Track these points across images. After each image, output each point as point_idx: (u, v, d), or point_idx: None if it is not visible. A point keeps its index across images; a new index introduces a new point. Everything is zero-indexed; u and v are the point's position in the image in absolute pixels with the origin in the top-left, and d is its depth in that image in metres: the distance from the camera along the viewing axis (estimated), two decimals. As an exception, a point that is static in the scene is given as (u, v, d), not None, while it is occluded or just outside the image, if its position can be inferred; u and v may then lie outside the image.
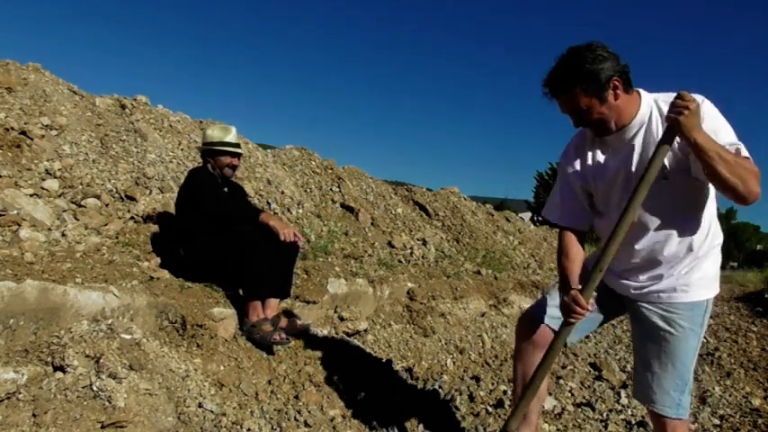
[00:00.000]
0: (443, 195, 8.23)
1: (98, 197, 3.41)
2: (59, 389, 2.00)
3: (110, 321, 2.36)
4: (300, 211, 5.35)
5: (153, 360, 2.34)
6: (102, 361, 2.14)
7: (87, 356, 2.14)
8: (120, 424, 2.00)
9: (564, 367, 3.81)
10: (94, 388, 2.06)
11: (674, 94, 1.62)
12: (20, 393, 1.94)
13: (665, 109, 1.64)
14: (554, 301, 1.98)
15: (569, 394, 3.31)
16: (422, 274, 5.08)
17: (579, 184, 1.89)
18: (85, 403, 2.00)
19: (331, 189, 6.25)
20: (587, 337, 4.87)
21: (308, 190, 5.96)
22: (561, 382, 3.51)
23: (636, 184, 1.66)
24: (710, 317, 6.05)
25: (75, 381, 2.05)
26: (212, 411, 2.34)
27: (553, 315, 1.99)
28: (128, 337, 2.35)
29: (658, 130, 1.69)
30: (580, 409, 3.05)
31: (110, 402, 2.04)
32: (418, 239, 6.18)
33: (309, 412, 2.60)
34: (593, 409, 3.06)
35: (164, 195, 3.86)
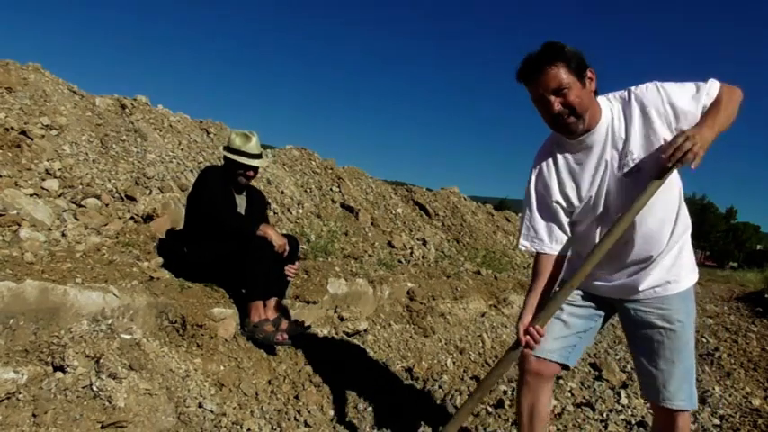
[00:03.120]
0: (443, 195, 8.23)
1: (98, 197, 3.41)
2: (59, 389, 2.00)
3: (110, 321, 2.36)
4: (300, 211, 5.35)
5: (153, 360, 2.34)
6: (102, 361, 2.14)
7: (87, 356, 2.14)
8: (120, 424, 2.01)
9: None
10: (94, 388, 2.06)
11: (624, 92, 1.72)
12: (20, 393, 1.94)
13: (620, 106, 1.72)
14: (550, 334, 1.88)
15: (569, 394, 3.31)
16: (422, 274, 5.08)
17: (554, 205, 1.83)
18: (85, 403, 2.01)
19: (331, 189, 6.25)
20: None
21: (308, 190, 5.96)
22: (561, 381, 3.51)
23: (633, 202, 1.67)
24: (710, 317, 6.00)
25: (75, 381, 2.05)
26: (212, 411, 2.34)
27: (551, 349, 1.91)
28: (128, 337, 2.35)
29: (620, 123, 1.71)
30: (580, 409, 3.05)
31: (110, 402, 2.04)
32: (418, 239, 6.18)
33: (309, 412, 2.60)
34: (593, 409, 3.06)
35: (164, 195, 3.86)
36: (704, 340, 5.35)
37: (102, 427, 1.98)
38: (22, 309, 2.13)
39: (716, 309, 7.78)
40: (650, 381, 1.84)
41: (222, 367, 2.61)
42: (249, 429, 2.34)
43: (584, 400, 3.21)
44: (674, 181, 1.75)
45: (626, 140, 1.70)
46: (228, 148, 3.11)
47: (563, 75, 1.65)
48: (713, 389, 3.69)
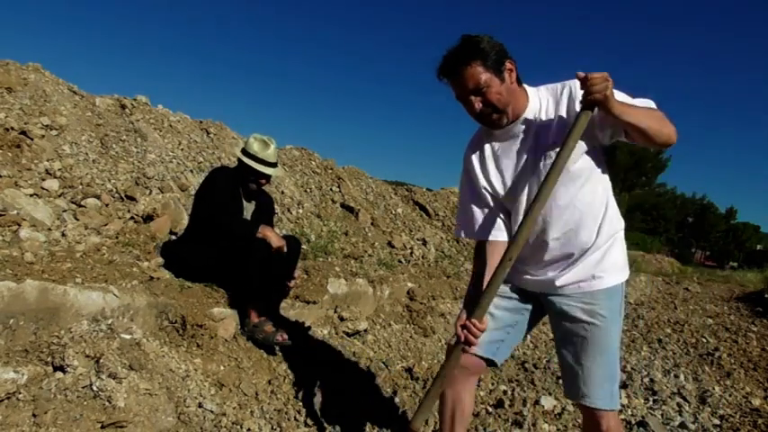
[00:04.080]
0: (443, 195, 8.23)
1: (98, 197, 3.41)
2: (59, 389, 2.00)
3: (110, 321, 2.36)
4: (300, 211, 5.35)
5: (153, 360, 2.34)
6: (102, 361, 2.14)
7: (87, 356, 2.14)
8: (120, 424, 2.01)
9: (564, 367, 3.80)
10: (94, 388, 2.06)
11: (559, 84, 1.71)
12: (20, 393, 1.94)
13: (550, 96, 1.71)
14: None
15: (569, 394, 3.31)
16: (422, 274, 5.08)
17: (486, 194, 1.82)
18: (85, 403, 2.01)
19: (331, 189, 6.25)
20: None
21: (308, 190, 5.96)
22: (561, 381, 3.51)
23: (547, 172, 1.64)
24: (710, 317, 6.00)
25: (75, 381, 2.05)
26: (212, 411, 2.34)
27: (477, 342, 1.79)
28: (128, 337, 2.35)
29: (547, 115, 1.71)
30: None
31: (110, 402, 2.04)
32: (418, 239, 6.18)
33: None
34: (593, 409, 3.06)
35: (164, 195, 3.86)
36: (704, 340, 5.36)
37: (102, 427, 1.98)
38: (22, 309, 2.13)
39: (716, 309, 7.78)
40: (571, 378, 1.81)
41: (222, 367, 2.62)
42: (249, 429, 2.34)
43: (584, 400, 3.20)
44: (599, 178, 1.74)
45: (551, 131, 1.69)
46: (245, 152, 3.06)
47: (480, 74, 1.64)
48: (713, 389, 3.69)
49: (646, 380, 3.77)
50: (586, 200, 1.73)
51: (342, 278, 3.95)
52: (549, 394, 3.24)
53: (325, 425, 2.57)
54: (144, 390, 2.17)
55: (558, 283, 1.80)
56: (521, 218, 1.75)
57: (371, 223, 5.88)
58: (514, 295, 1.92)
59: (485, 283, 1.72)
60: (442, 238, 6.79)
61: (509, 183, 1.77)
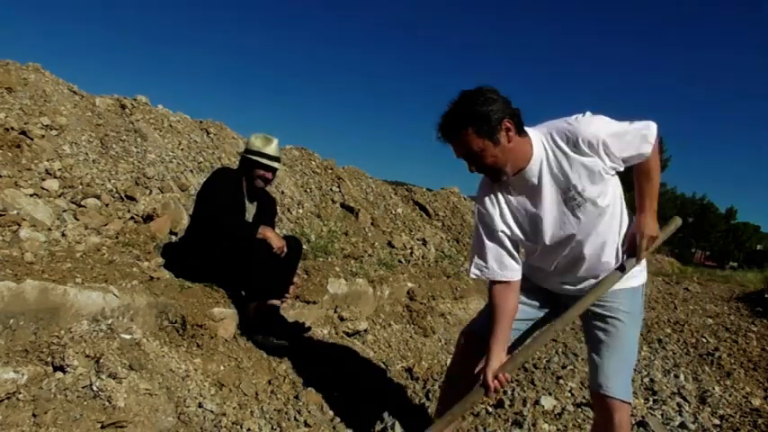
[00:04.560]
0: (443, 195, 8.23)
1: (98, 197, 3.41)
2: (59, 389, 2.00)
3: (110, 321, 2.36)
4: (300, 211, 5.35)
5: (153, 360, 2.34)
6: (102, 361, 2.14)
7: (87, 356, 2.14)
8: (120, 424, 2.01)
9: (564, 367, 3.80)
10: (94, 388, 2.06)
11: (564, 125, 1.74)
12: (20, 393, 1.94)
13: (558, 137, 1.74)
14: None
15: (569, 394, 3.31)
16: (422, 274, 5.08)
17: (503, 236, 1.86)
18: (85, 403, 2.01)
19: (331, 189, 6.25)
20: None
21: (308, 190, 5.96)
22: (561, 382, 3.51)
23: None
24: (710, 317, 5.99)
25: (75, 381, 2.05)
26: (212, 411, 2.34)
27: None
28: (128, 337, 2.35)
29: (559, 160, 1.75)
30: (580, 409, 3.05)
31: (110, 402, 2.04)
32: (418, 239, 6.18)
33: (309, 412, 2.60)
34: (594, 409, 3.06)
35: (164, 195, 3.86)
36: (704, 340, 5.35)
37: (102, 427, 1.98)
38: (22, 309, 2.13)
39: (716, 309, 7.78)
40: (593, 369, 1.91)
41: (222, 367, 2.62)
42: (249, 429, 2.34)
43: (584, 400, 3.21)
44: (615, 204, 1.84)
45: (567, 176, 1.74)
46: (248, 151, 3.07)
47: (473, 142, 1.68)
48: (713, 389, 3.69)
49: (646, 380, 3.77)
50: (608, 226, 1.84)
51: (342, 278, 3.95)
52: (549, 394, 3.24)
53: (325, 425, 2.57)
54: (144, 390, 2.17)
55: (579, 289, 1.94)
56: (542, 259, 1.91)
57: (371, 223, 5.89)
58: (539, 296, 2.05)
59: (505, 327, 1.86)
60: (442, 238, 6.79)
61: (527, 227, 1.84)
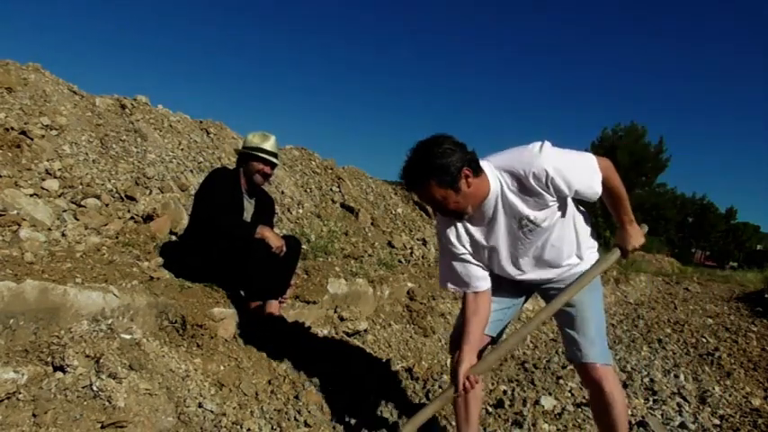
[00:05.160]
0: (443, 195, 8.22)
1: (98, 197, 3.41)
2: (59, 389, 2.00)
3: (110, 321, 2.36)
4: (300, 211, 5.35)
5: (153, 360, 2.34)
6: (102, 361, 2.14)
7: (87, 356, 2.14)
8: (120, 424, 2.01)
9: (564, 367, 3.81)
10: (94, 388, 2.06)
11: (511, 154, 1.87)
12: (20, 393, 1.94)
13: (510, 173, 1.85)
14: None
15: (569, 394, 3.31)
16: (422, 274, 5.08)
17: (466, 256, 2.01)
18: (85, 403, 2.01)
19: (331, 189, 6.25)
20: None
21: (308, 190, 5.96)
22: (561, 382, 3.51)
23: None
24: (710, 317, 5.99)
25: (75, 381, 2.05)
26: (212, 411, 2.34)
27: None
28: (128, 337, 2.35)
29: (511, 194, 1.87)
30: (580, 409, 3.05)
31: (110, 402, 2.04)
32: (418, 239, 6.18)
33: (309, 412, 2.60)
34: (593, 409, 3.06)
35: (164, 195, 3.86)
36: (704, 340, 5.35)
37: (102, 427, 1.98)
38: (22, 309, 2.13)
39: (716, 309, 7.78)
40: (570, 344, 2.07)
41: (222, 367, 2.61)
42: (249, 429, 2.34)
43: (584, 400, 3.21)
44: (566, 219, 1.97)
45: (519, 208, 1.88)
46: (246, 147, 3.09)
47: (435, 192, 1.81)
48: (713, 389, 3.69)
49: (646, 380, 3.77)
50: (561, 233, 1.98)
51: (342, 278, 3.95)
52: (549, 394, 3.24)
53: (325, 425, 2.57)
54: (144, 390, 2.17)
55: (542, 280, 2.11)
56: (500, 267, 2.04)
57: (371, 223, 5.88)
58: (512, 286, 2.16)
59: (476, 331, 1.99)
60: (442, 238, 6.78)
61: (486, 250, 2.00)
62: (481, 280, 2.02)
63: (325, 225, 5.29)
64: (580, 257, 2.07)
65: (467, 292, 2.02)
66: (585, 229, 2.09)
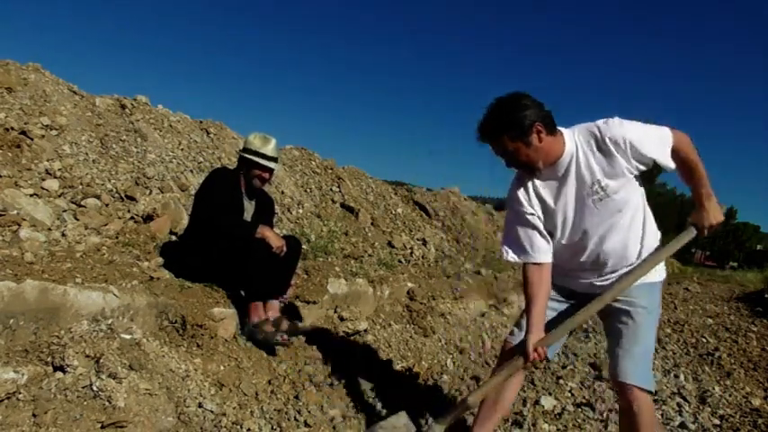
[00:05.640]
0: (443, 195, 8.23)
1: (98, 197, 3.41)
2: (59, 389, 2.00)
3: (110, 321, 2.36)
4: (300, 211, 5.35)
5: (153, 360, 2.34)
6: (102, 361, 2.14)
7: (87, 356, 2.14)
8: (120, 424, 2.01)
9: (564, 367, 3.81)
10: (94, 388, 2.06)
11: (593, 126, 1.94)
12: (20, 393, 1.94)
13: (588, 136, 1.95)
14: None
15: (569, 394, 3.31)
16: (422, 274, 5.08)
17: (534, 219, 2.04)
18: (85, 403, 2.00)
19: (331, 189, 6.25)
20: (587, 336, 4.87)
21: (308, 190, 5.96)
22: (561, 382, 3.51)
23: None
24: (710, 317, 6.01)
25: (75, 381, 2.05)
26: (212, 411, 2.34)
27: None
28: (128, 337, 2.35)
29: (586, 156, 1.94)
30: (580, 409, 3.05)
31: (110, 402, 2.04)
32: (418, 239, 6.18)
33: (309, 412, 2.60)
34: (593, 409, 3.06)
35: (164, 195, 3.86)
36: (704, 340, 5.35)
37: (102, 427, 1.98)
38: (22, 309, 2.13)
39: (716, 309, 7.76)
40: (614, 360, 2.04)
41: (222, 367, 2.61)
42: (249, 429, 2.34)
43: (584, 400, 3.21)
44: (636, 203, 2.00)
45: (592, 171, 1.93)
46: (246, 150, 3.08)
47: (507, 144, 1.92)
48: (713, 389, 3.69)
49: (646, 380, 3.76)
50: (627, 227, 1.99)
51: (342, 278, 3.95)
52: (549, 394, 3.24)
53: (325, 425, 2.57)
54: (144, 390, 2.17)
55: (603, 285, 2.06)
56: (567, 249, 2.06)
57: (371, 223, 5.88)
58: (561, 297, 2.18)
59: (542, 303, 2.01)
60: (442, 238, 6.79)
61: (554, 214, 2.02)
62: (543, 252, 2.03)
63: (325, 225, 5.29)
64: (641, 254, 2.05)
65: (529, 266, 2.04)
66: (654, 237, 2.08)
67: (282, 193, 5.42)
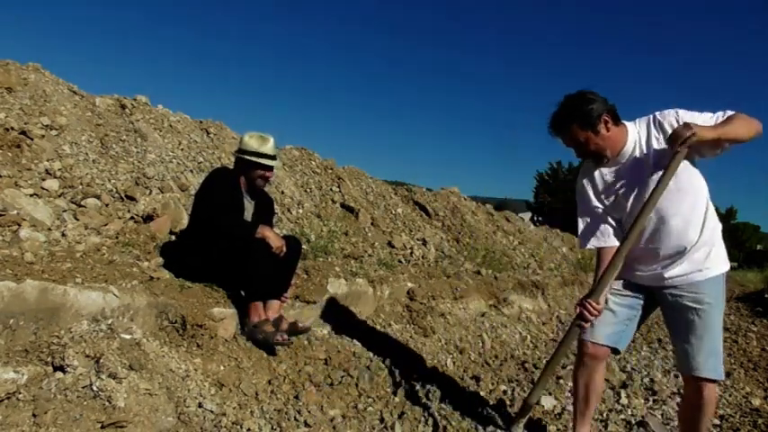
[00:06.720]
0: (443, 195, 8.23)
1: (98, 197, 3.41)
2: (59, 389, 2.00)
3: (110, 321, 2.36)
4: (300, 211, 5.35)
5: (153, 360, 2.34)
6: (102, 361, 2.14)
7: (87, 356, 2.14)
8: (120, 424, 2.01)
9: (564, 367, 3.81)
10: (94, 388, 2.06)
11: (649, 117, 2.16)
12: (20, 393, 1.94)
13: (650, 123, 2.15)
14: (600, 322, 2.27)
15: (569, 394, 3.31)
16: (422, 274, 5.08)
17: (602, 207, 2.25)
18: (85, 403, 2.00)
19: (331, 189, 6.25)
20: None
21: (308, 190, 5.96)
22: (561, 382, 3.51)
23: (650, 192, 2.06)
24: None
25: (75, 381, 2.05)
26: (212, 411, 2.34)
27: (602, 334, 2.29)
28: (128, 337, 2.35)
29: (649, 142, 2.13)
30: (580, 409, 3.04)
31: (110, 402, 2.04)
32: (418, 239, 6.18)
33: (309, 412, 2.60)
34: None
35: (164, 195, 3.86)
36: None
37: (102, 427, 1.98)
38: (22, 309, 2.13)
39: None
40: (683, 355, 2.17)
41: (222, 367, 2.61)
42: (249, 429, 2.34)
43: (584, 400, 3.20)
44: (699, 188, 2.14)
45: (654, 156, 2.10)
46: (244, 151, 3.05)
47: (577, 135, 2.12)
48: (713, 389, 3.69)
49: (646, 380, 3.77)
50: (690, 208, 2.11)
51: (342, 278, 3.95)
52: (549, 394, 3.24)
53: (325, 425, 2.57)
54: (144, 390, 2.17)
55: (667, 276, 2.17)
56: (628, 215, 2.19)
57: (371, 223, 5.88)
58: (629, 292, 2.31)
59: (609, 276, 2.15)
60: (442, 238, 6.79)
61: (619, 200, 2.20)
62: (611, 237, 2.23)
63: (325, 225, 5.29)
64: (707, 255, 2.13)
65: (602, 250, 2.23)
66: (715, 227, 2.17)
67: (282, 193, 5.42)
